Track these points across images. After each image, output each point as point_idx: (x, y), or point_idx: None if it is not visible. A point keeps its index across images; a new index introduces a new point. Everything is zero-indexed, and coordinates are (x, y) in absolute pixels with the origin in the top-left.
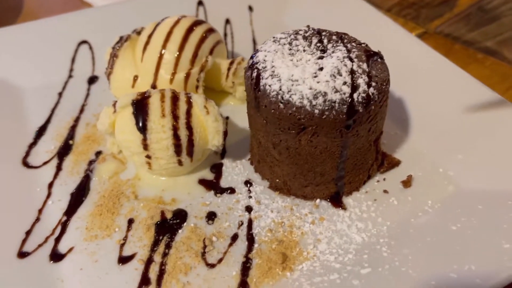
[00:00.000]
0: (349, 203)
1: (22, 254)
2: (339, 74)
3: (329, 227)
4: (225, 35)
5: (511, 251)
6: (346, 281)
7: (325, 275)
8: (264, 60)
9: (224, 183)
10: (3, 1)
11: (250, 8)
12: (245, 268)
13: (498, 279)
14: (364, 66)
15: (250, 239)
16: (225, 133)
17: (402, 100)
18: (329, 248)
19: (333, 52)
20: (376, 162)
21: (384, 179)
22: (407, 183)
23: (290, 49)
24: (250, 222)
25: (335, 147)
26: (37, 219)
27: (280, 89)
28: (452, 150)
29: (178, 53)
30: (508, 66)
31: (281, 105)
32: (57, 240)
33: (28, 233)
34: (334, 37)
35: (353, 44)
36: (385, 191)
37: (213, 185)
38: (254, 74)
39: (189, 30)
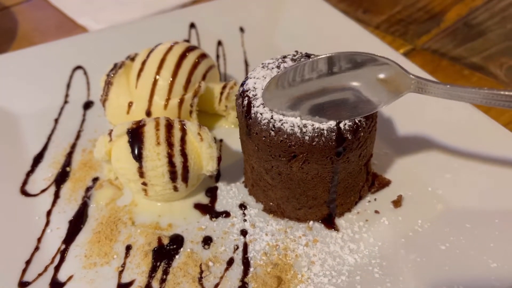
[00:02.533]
0: (341, 224)
1: (22, 284)
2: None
3: (323, 248)
4: (217, 56)
5: (497, 271)
6: None
7: None
8: (254, 88)
9: (219, 206)
10: None
11: (242, 30)
12: None
13: None
14: None
15: (246, 263)
16: (219, 159)
17: (391, 120)
18: (322, 270)
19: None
20: (367, 183)
21: (375, 199)
22: (397, 203)
23: (278, 72)
24: (245, 246)
25: (326, 173)
26: (37, 248)
27: (272, 118)
28: (441, 169)
29: (171, 79)
30: (494, 81)
31: (272, 133)
32: (57, 268)
33: (28, 262)
34: None
35: None
36: (376, 211)
37: (208, 209)
38: (245, 102)
39: (182, 57)
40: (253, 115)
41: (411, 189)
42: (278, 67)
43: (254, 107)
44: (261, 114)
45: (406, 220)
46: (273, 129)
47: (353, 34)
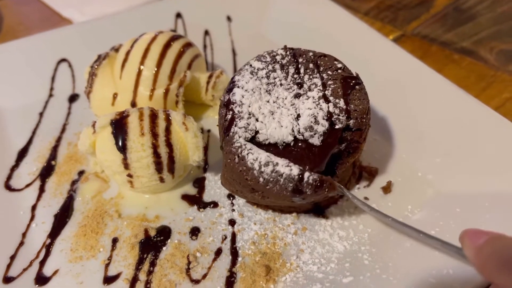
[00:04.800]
0: (330, 211)
1: (7, 279)
2: (311, 129)
3: (312, 236)
4: (205, 46)
5: None
6: None
7: (308, 286)
8: (241, 103)
9: (207, 197)
10: None
11: (229, 19)
12: (230, 282)
13: (476, 283)
14: (342, 103)
15: (234, 253)
16: (206, 148)
17: (379, 106)
18: (311, 258)
19: (309, 88)
20: (354, 175)
21: (364, 186)
22: (386, 189)
23: (267, 84)
24: (233, 235)
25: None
26: (21, 243)
27: (245, 144)
28: (430, 154)
29: (156, 69)
30: (484, 66)
31: (236, 159)
32: (42, 263)
33: (12, 257)
34: (310, 65)
35: (329, 72)
36: (366, 198)
37: (196, 200)
38: (228, 117)
39: (167, 46)
40: (231, 133)
41: (400, 175)
42: (268, 76)
43: (235, 126)
44: (238, 136)
45: (395, 206)
46: (239, 156)
47: (342, 21)
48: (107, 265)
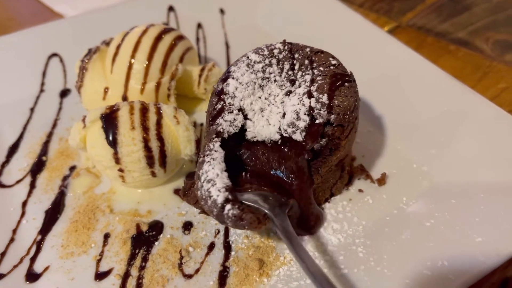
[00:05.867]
0: (324, 204)
1: None
2: (293, 125)
3: None
4: (198, 39)
5: (482, 245)
6: None
7: (302, 279)
8: (234, 95)
9: None
10: None
11: (222, 11)
12: (222, 276)
13: (471, 274)
14: (325, 98)
15: (227, 247)
16: (198, 141)
17: (374, 97)
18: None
19: (299, 85)
20: (341, 180)
21: (358, 178)
22: (381, 181)
23: (262, 79)
24: (226, 229)
25: None
26: (12, 240)
27: (216, 150)
28: (425, 145)
29: (147, 62)
30: (480, 56)
31: (200, 159)
32: (33, 259)
33: (2, 254)
34: (306, 61)
35: (320, 69)
36: (360, 190)
37: None
38: (218, 106)
39: (158, 39)
40: (215, 124)
41: (395, 167)
42: (263, 71)
43: (221, 118)
44: (222, 129)
45: (390, 198)
46: (201, 157)
47: (336, 13)
48: (98, 261)
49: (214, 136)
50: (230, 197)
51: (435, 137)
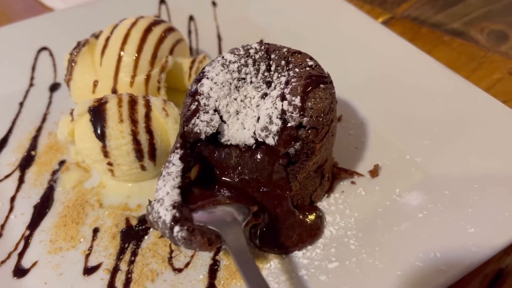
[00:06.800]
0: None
1: None
2: (266, 130)
3: None
4: (189, 32)
5: (475, 236)
6: (313, 277)
7: (293, 272)
8: (208, 96)
9: None
10: None
11: (214, 4)
12: (213, 270)
13: (463, 265)
14: (297, 100)
15: None
16: None
17: (367, 88)
18: None
19: (275, 87)
20: (321, 187)
21: (343, 181)
22: (374, 172)
23: (238, 80)
24: None
25: None
26: (0, 235)
27: (174, 164)
28: (419, 136)
29: (136, 55)
30: (475, 46)
31: (163, 171)
32: (21, 255)
33: None
34: (282, 62)
35: (296, 70)
36: (353, 182)
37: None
38: (192, 107)
39: (147, 31)
40: (190, 125)
41: (388, 158)
42: (239, 71)
43: (197, 118)
44: (199, 129)
45: (383, 190)
46: (163, 169)
47: (330, 4)
48: (87, 256)
49: (178, 145)
50: (177, 215)
51: (429, 128)
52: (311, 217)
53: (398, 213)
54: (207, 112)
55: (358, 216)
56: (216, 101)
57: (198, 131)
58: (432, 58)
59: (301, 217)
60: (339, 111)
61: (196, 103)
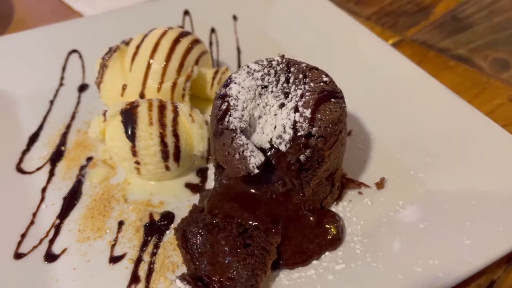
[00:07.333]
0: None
1: (18, 255)
2: (280, 138)
3: None
4: (211, 43)
5: (471, 247)
6: (321, 276)
7: (303, 271)
8: (237, 97)
9: (209, 186)
10: None
11: (235, 18)
12: None
13: (459, 273)
14: (308, 112)
15: None
16: (209, 140)
17: (376, 106)
18: None
19: (291, 99)
20: (331, 195)
21: (351, 191)
22: (380, 184)
23: (262, 87)
24: None
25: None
26: (32, 222)
27: (247, 143)
28: (422, 154)
29: (165, 63)
30: (478, 72)
31: (237, 156)
32: (51, 241)
33: (23, 235)
34: (300, 75)
35: (311, 84)
36: (360, 193)
37: (198, 189)
38: (223, 107)
39: (176, 41)
40: (225, 122)
41: (393, 172)
42: (262, 79)
43: (229, 116)
44: (234, 126)
45: (388, 201)
46: (239, 153)
47: (343, 24)
48: (113, 246)
49: (234, 134)
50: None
51: (432, 147)
52: (330, 224)
53: (401, 223)
54: (237, 110)
55: (364, 224)
56: (244, 102)
57: (233, 127)
58: (438, 82)
59: (318, 222)
60: (349, 126)
61: (227, 103)
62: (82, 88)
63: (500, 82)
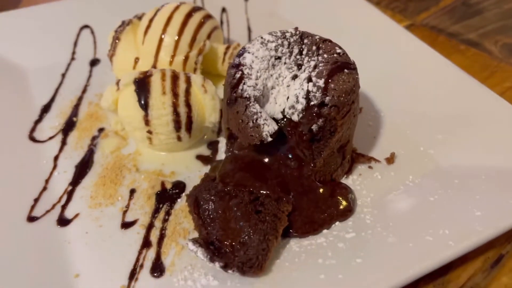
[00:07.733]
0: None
1: (31, 218)
2: (293, 108)
3: None
4: (221, 23)
5: (482, 218)
6: (332, 244)
7: (313, 239)
8: (251, 67)
9: (220, 158)
10: None
11: None
12: None
13: (469, 242)
14: (321, 82)
15: None
16: (222, 111)
17: (387, 84)
18: None
19: (304, 70)
20: (342, 167)
21: (361, 166)
22: (390, 159)
23: (275, 58)
24: None
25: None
26: (44, 188)
27: (261, 112)
28: (433, 130)
29: (177, 36)
30: (488, 56)
31: (251, 124)
32: (64, 207)
33: (36, 200)
34: (314, 47)
35: (325, 56)
36: (370, 167)
37: (209, 160)
38: (237, 75)
39: (188, 16)
40: (239, 90)
41: (404, 148)
42: (276, 49)
43: (243, 84)
44: (248, 94)
45: (397, 175)
46: (253, 121)
47: (356, 6)
48: (124, 212)
49: (248, 102)
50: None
51: (442, 124)
52: (341, 195)
53: (411, 196)
54: (251, 79)
55: (374, 197)
56: (258, 72)
57: (247, 95)
58: (448, 61)
59: (330, 193)
60: (360, 104)
61: (240, 72)
62: (94, 62)
63: (510, 66)
